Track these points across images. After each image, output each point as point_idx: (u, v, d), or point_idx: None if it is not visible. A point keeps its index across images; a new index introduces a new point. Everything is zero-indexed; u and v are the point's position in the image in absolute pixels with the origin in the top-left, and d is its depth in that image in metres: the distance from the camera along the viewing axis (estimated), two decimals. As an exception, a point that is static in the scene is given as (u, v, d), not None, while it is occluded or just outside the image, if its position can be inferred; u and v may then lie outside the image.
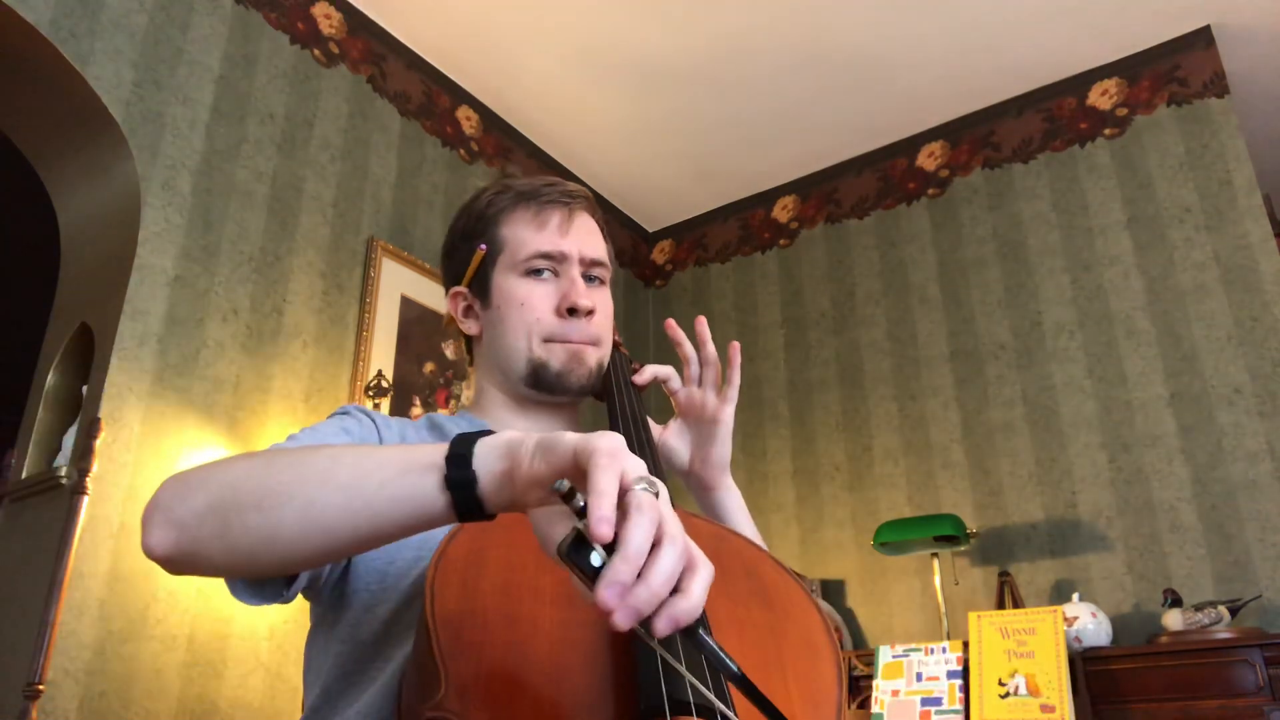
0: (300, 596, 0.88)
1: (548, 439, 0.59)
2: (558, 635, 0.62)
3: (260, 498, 0.64)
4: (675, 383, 1.03)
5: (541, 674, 0.60)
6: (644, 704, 0.57)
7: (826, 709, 0.69)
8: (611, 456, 0.54)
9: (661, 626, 0.50)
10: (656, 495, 0.54)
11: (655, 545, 0.51)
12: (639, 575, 0.50)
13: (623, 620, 0.49)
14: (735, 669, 0.54)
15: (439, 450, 0.62)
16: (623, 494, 0.53)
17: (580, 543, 0.52)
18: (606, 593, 0.49)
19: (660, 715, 0.56)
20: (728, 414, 0.99)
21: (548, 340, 0.96)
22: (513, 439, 0.61)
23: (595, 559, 0.51)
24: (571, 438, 0.57)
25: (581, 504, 0.52)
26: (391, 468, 0.63)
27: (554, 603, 0.64)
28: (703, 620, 0.65)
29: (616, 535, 0.51)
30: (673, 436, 1.00)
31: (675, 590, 0.51)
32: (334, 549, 0.65)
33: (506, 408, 1.00)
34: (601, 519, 0.51)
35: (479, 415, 1.01)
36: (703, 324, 1.00)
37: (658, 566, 0.50)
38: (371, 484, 0.63)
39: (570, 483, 0.53)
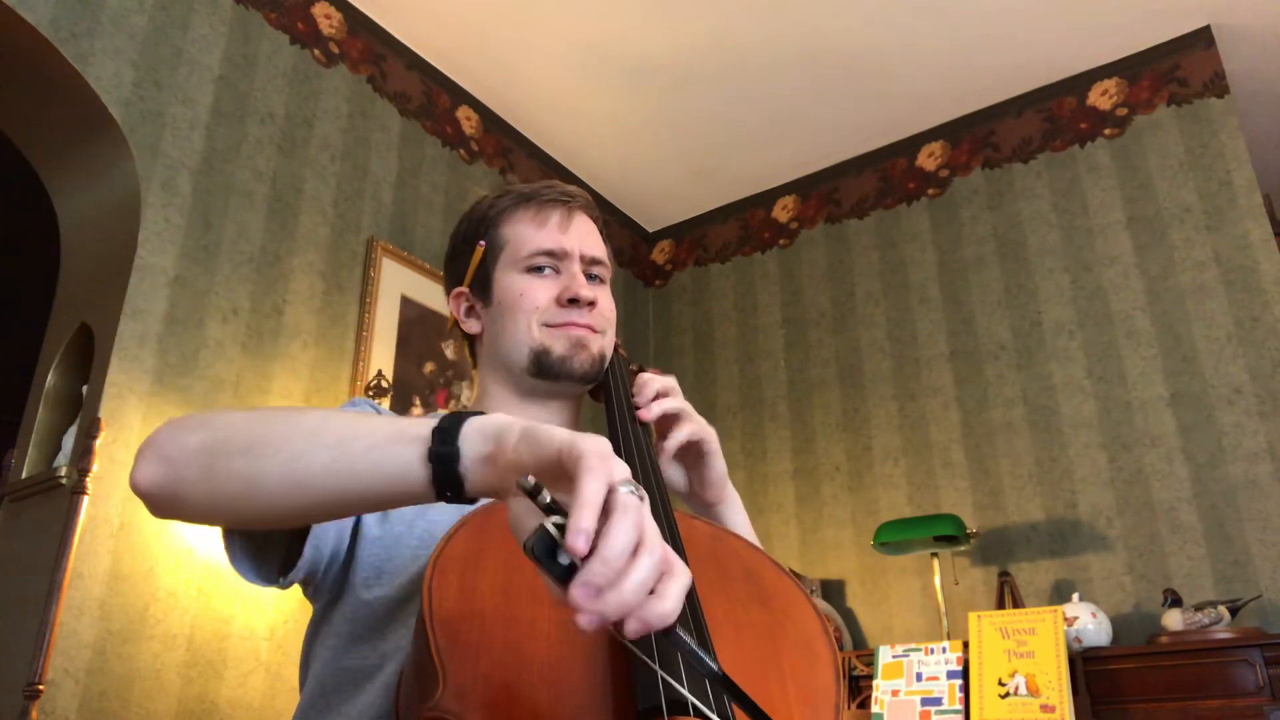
0: (304, 598, 0.88)
1: (535, 429, 0.57)
2: (556, 636, 0.62)
3: (250, 444, 0.65)
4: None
5: (539, 675, 0.60)
6: (641, 704, 0.57)
7: (825, 710, 0.69)
8: (602, 459, 0.52)
9: (632, 628, 0.49)
10: (642, 500, 0.52)
11: (634, 552, 0.50)
12: (614, 581, 0.48)
13: (586, 622, 0.48)
14: (716, 668, 0.53)
15: (428, 423, 0.62)
16: (608, 494, 0.51)
17: (551, 544, 0.50)
18: (579, 592, 0.48)
19: (658, 716, 0.56)
20: (707, 439, 0.95)
21: (548, 325, 0.95)
22: (501, 422, 0.60)
23: (565, 559, 0.49)
24: (561, 433, 0.56)
25: (549, 500, 0.51)
26: (380, 434, 0.63)
27: (552, 604, 0.63)
28: (684, 619, 0.65)
29: (596, 537, 0.49)
30: (665, 462, 0.96)
31: (651, 594, 0.50)
32: (312, 505, 0.65)
33: (509, 404, 0.99)
34: (580, 531, 0.49)
35: None
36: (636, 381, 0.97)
37: (633, 574, 0.49)
38: (358, 446, 0.63)
39: (537, 480, 0.51)
